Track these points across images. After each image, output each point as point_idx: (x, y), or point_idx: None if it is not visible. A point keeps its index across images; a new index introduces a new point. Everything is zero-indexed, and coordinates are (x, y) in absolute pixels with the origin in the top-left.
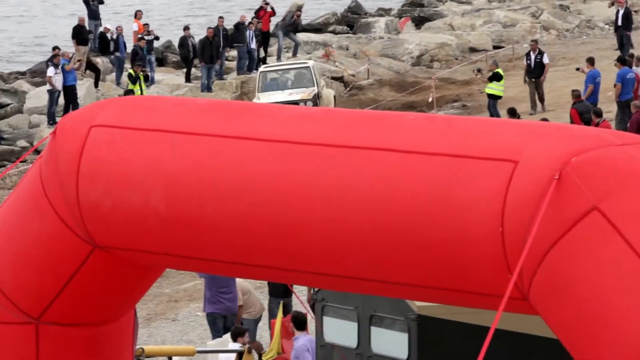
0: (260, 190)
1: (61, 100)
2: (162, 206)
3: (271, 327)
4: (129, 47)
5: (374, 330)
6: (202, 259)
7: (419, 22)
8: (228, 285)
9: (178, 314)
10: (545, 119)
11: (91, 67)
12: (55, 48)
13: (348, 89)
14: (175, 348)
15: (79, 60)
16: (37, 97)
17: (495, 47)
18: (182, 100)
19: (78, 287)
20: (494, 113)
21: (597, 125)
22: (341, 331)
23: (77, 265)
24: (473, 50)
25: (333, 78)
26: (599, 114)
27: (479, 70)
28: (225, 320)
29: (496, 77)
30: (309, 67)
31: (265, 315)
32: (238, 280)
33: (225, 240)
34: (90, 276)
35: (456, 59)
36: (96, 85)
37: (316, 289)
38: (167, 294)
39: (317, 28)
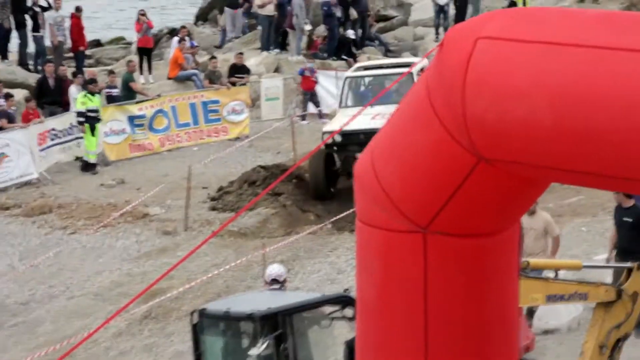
0: None
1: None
2: (548, 119)
3: None
4: None
5: None
6: (589, 173)
7: None
8: None
9: (562, 228)
10: None
11: None
12: None
13: None
14: (561, 262)
15: None
16: (423, 9)
17: None
18: (570, 11)
19: (464, 199)
20: None
21: None
22: None
23: (463, 177)
24: None
25: None
26: None
27: None
28: None
29: None
30: (411, 73)
31: None
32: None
33: (615, 155)
34: (475, 188)
35: None
36: None
37: None
38: (550, 209)
39: None
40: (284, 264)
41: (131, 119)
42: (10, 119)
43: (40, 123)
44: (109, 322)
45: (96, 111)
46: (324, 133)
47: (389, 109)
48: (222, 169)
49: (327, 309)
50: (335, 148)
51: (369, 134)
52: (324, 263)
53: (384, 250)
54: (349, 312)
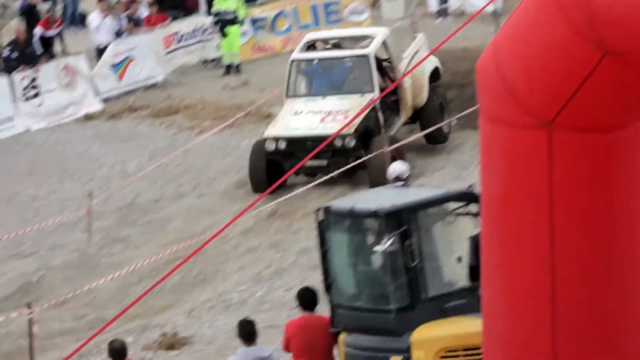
0: None
1: None
2: None
3: None
4: None
5: None
6: None
7: None
8: None
9: None
10: None
11: None
12: None
13: None
14: None
15: None
16: None
17: None
18: None
19: (590, 92)
20: None
21: None
22: None
23: (589, 71)
24: None
25: None
26: None
27: None
28: None
29: None
30: (367, 55)
31: None
32: None
33: None
34: (601, 81)
35: None
36: None
37: None
38: None
39: None
40: (408, 161)
41: (253, 21)
42: (136, 24)
43: (165, 27)
44: (237, 219)
45: (228, 13)
46: (266, 139)
47: (342, 104)
48: None
49: (452, 205)
50: (279, 156)
51: (317, 140)
52: (448, 160)
53: (508, 147)
54: (473, 208)
